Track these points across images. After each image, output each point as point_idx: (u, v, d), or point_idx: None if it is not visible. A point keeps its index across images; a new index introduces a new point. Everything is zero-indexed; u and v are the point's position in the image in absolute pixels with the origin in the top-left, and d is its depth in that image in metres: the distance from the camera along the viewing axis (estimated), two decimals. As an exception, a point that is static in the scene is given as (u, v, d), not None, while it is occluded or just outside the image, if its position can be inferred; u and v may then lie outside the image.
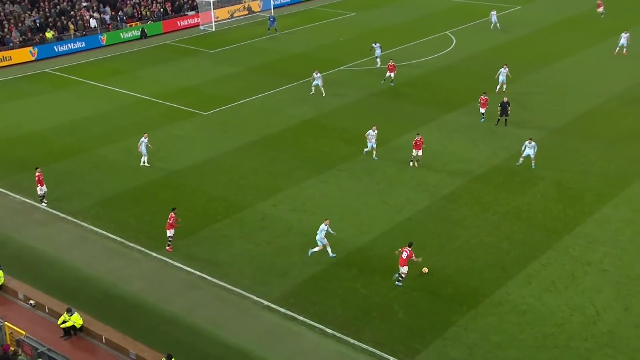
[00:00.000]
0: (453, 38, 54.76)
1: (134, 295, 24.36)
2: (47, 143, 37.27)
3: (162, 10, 61.62)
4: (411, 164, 32.71)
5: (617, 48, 48.24)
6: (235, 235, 27.94)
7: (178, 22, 61.50)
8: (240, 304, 23.81)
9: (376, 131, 33.38)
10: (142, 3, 61.84)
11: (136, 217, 29.54)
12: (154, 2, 62.40)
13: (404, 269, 24.08)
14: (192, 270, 25.69)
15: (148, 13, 61.00)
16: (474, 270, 25.17)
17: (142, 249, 27.17)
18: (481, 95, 38.06)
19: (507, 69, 41.45)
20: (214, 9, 61.47)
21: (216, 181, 32.58)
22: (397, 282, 24.25)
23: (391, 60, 44.07)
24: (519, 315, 22.73)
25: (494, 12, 57.16)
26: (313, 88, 43.06)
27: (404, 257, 23.98)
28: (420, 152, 32.58)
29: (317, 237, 25.72)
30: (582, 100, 40.65)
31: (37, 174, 30.42)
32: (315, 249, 25.81)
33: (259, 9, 66.55)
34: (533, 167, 32.25)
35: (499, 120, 36.79)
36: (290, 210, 29.67)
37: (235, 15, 64.90)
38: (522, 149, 32.45)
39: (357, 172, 32.82)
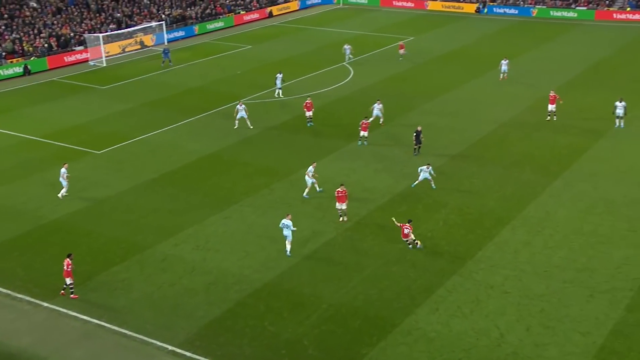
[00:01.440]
0: (351, 69, 55.69)
1: (23, 350, 22.47)
2: None
3: (46, 45, 58.91)
4: (340, 219, 30.62)
5: (501, 74, 51.23)
6: (134, 279, 26.56)
7: (65, 58, 59.03)
8: (143, 351, 22.51)
9: (315, 166, 32.77)
10: (23, 38, 58.90)
11: (24, 265, 27.52)
12: (37, 37, 59.63)
13: (408, 239, 27.88)
14: (88, 319, 24.10)
15: (31, 49, 58.14)
16: (382, 300, 25.07)
17: (32, 299, 25.25)
18: (362, 120, 39.16)
19: (380, 104, 42.08)
20: (103, 43, 59.62)
21: (113, 222, 31.04)
22: (418, 247, 28.05)
23: (309, 99, 43.32)
24: (428, 342, 22.74)
25: (347, 46, 57.96)
26: (237, 122, 42.16)
27: (406, 232, 27.64)
28: (344, 206, 30.23)
29: (285, 232, 27.29)
30: (476, 127, 42.12)
31: None
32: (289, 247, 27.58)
33: (152, 43, 65.24)
34: (434, 187, 33.21)
35: (415, 149, 37.57)
36: (193, 249, 28.62)
37: (127, 50, 63.24)
38: (419, 171, 33.33)
39: (261, 207, 32.22)
